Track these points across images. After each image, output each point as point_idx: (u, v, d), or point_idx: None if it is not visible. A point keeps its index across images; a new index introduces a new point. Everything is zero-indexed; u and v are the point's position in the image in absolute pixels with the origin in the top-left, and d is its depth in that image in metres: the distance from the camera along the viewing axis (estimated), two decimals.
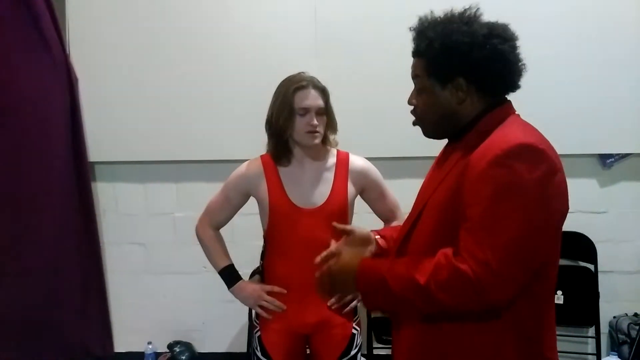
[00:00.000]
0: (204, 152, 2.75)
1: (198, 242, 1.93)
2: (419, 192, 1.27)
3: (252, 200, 1.88)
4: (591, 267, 2.69)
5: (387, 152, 2.57)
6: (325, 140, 1.81)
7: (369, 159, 1.90)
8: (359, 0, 2.63)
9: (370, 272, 1.15)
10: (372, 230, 1.45)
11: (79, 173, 2.73)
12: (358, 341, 1.85)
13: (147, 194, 2.86)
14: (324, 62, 2.53)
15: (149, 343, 2.83)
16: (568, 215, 1.12)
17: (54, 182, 2.61)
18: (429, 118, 1.20)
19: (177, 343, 2.84)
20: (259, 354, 1.83)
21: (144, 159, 2.79)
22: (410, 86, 1.22)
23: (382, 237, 1.42)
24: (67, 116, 2.67)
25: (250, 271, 2.57)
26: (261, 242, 1.92)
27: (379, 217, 1.94)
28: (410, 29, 1.19)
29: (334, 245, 1.41)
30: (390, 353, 1.31)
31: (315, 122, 1.71)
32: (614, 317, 2.74)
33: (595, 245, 2.68)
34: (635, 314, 2.72)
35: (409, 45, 1.21)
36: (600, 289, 2.66)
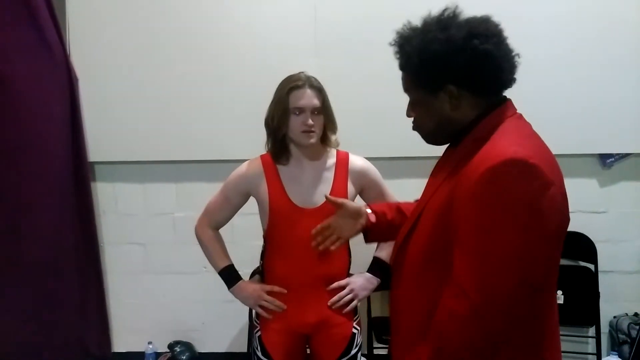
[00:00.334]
0: (204, 152, 2.75)
1: (198, 243, 1.93)
2: (422, 194, 1.27)
3: (252, 200, 1.88)
4: (591, 267, 2.69)
5: (387, 152, 2.57)
6: (325, 140, 1.81)
7: (368, 159, 1.91)
8: (358, 0, 2.63)
9: None
10: (365, 205, 1.50)
11: (78, 173, 2.72)
12: (358, 341, 1.85)
13: (146, 194, 2.86)
14: (324, 62, 2.53)
15: (149, 343, 2.84)
16: None
17: (53, 182, 2.61)
18: (426, 127, 1.19)
19: (177, 343, 2.84)
20: (259, 353, 1.83)
21: (144, 159, 2.79)
22: None
23: (373, 211, 1.45)
24: (67, 116, 2.67)
25: (250, 271, 2.57)
26: (261, 242, 1.91)
27: None
28: (390, 44, 1.17)
29: (327, 219, 1.47)
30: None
31: (310, 121, 1.72)
32: (614, 316, 2.74)
33: (596, 245, 2.68)
34: (636, 314, 2.73)
35: None
36: (600, 289, 2.66)
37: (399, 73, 1.19)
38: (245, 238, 2.34)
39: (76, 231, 2.73)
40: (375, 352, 2.64)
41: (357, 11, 2.62)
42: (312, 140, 1.75)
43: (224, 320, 2.87)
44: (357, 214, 1.46)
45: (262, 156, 1.85)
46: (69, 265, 2.69)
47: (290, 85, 1.73)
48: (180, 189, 2.84)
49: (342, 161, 1.84)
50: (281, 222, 1.78)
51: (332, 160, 1.84)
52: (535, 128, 1.15)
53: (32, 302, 2.59)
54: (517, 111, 1.16)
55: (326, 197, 1.50)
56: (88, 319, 2.80)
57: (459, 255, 1.03)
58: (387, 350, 1.77)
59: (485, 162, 1.01)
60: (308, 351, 1.91)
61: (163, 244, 2.87)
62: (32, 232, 2.56)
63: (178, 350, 2.81)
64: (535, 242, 0.98)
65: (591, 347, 2.73)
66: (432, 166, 1.28)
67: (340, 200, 1.48)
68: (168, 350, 2.84)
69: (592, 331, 2.71)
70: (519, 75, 1.14)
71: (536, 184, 0.98)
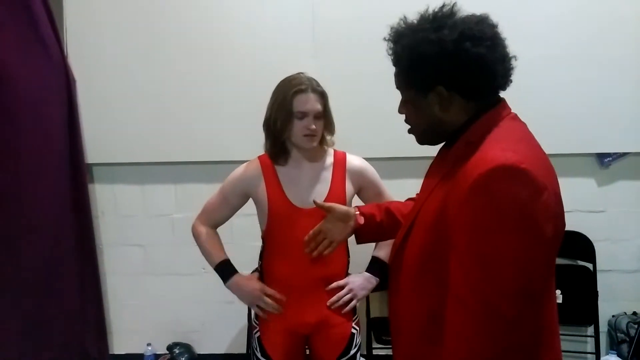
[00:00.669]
0: (203, 153, 2.74)
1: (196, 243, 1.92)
2: (418, 196, 1.26)
3: (251, 201, 1.88)
4: (590, 266, 2.69)
5: (385, 152, 2.57)
6: (322, 141, 1.82)
7: (366, 159, 1.91)
8: (357, 0, 2.63)
9: None
10: (355, 207, 1.51)
11: (75, 175, 2.72)
12: (357, 341, 1.85)
13: (145, 195, 2.86)
14: (322, 62, 2.54)
15: (149, 344, 2.83)
16: (566, 214, 1.08)
17: (50, 184, 2.61)
18: (416, 127, 1.17)
19: (176, 344, 2.84)
20: (258, 354, 1.83)
21: (143, 160, 2.79)
22: None
23: (361, 213, 1.46)
24: (65, 117, 2.67)
25: (249, 272, 2.57)
26: (260, 243, 1.92)
27: None
28: (384, 39, 1.15)
29: (318, 225, 1.51)
30: (390, 353, 1.31)
31: (313, 126, 1.72)
32: (613, 316, 2.74)
33: (594, 244, 2.68)
34: (634, 313, 2.73)
35: None
36: (599, 288, 2.67)
37: None
38: (244, 239, 2.34)
39: (73, 233, 2.73)
40: (374, 352, 2.64)
41: (356, 11, 2.62)
42: (314, 144, 1.77)
43: (223, 322, 2.87)
44: (346, 217, 1.47)
45: (259, 157, 1.86)
46: (67, 268, 2.69)
47: (294, 89, 1.72)
48: (179, 190, 2.84)
49: (340, 161, 1.85)
50: (280, 222, 1.78)
51: (329, 160, 1.85)
52: (532, 127, 1.13)
53: (31, 304, 2.58)
54: (512, 111, 1.14)
55: (315, 203, 1.53)
56: (86, 321, 2.79)
57: (454, 263, 1.02)
58: (386, 351, 1.77)
59: (477, 169, 0.99)
60: (307, 351, 1.91)
61: (162, 245, 2.86)
62: (29, 233, 2.55)
63: (177, 351, 2.81)
64: (530, 247, 0.97)
65: (590, 346, 2.73)
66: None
67: (329, 204, 1.50)
68: (167, 352, 2.84)
69: (590, 330, 2.71)
70: (515, 74, 1.11)
71: (529, 190, 0.96)
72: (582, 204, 2.67)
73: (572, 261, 2.73)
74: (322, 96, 1.76)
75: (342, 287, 1.83)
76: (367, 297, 2.35)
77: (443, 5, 1.09)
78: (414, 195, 1.29)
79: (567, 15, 2.58)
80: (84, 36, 2.73)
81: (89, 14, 2.72)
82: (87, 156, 2.78)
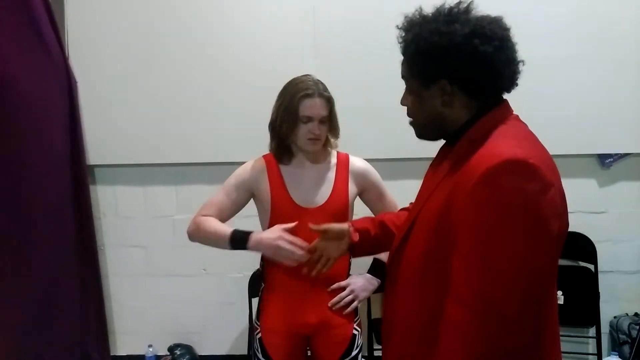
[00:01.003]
0: (204, 154, 2.75)
1: (198, 245, 1.84)
2: (416, 196, 1.25)
3: (252, 202, 1.88)
4: (591, 267, 2.69)
5: (386, 154, 2.57)
6: (325, 143, 1.82)
7: (367, 160, 1.91)
8: (357, 0, 2.63)
9: None
10: (349, 222, 1.54)
11: (77, 176, 2.72)
12: (359, 342, 1.85)
13: (147, 196, 2.86)
14: (323, 63, 2.54)
15: (150, 346, 2.84)
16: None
17: (52, 185, 2.61)
18: (417, 119, 1.17)
19: (177, 346, 2.84)
20: (259, 355, 1.83)
21: (144, 161, 2.79)
22: None
23: (356, 230, 1.48)
24: (66, 119, 2.67)
25: (250, 273, 2.58)
26: None
27: None
28: (397, 27, 1.15)
29: (313, 243, 1.54)
30: None
31: (317, 131, 1.73)
32: (615, 317, 2.74)
33: (595, 245, 2.68)
34: (636, 314, 2.73)
35: None
36: (600, 289, 2.66)
37: (398, 74, 1.18)
38: None
39: (74, 234, 2.72)
40: (376, 353, 2.64)
41: (356, 11, 2.62)
42: (317, 148, 1.77)
43: (225, 323, 2.87)
44: (341, 235, 1.49)
45: (264, 156, 1.86)
46: (68, 269, 2.69)
47: (301, 93, 1.72)
48: (181, 191, 2.84)
49: (343, 162, 1.85)
50: (282, 220, 1.76)
51: (332, 161, 1.85)
52: (533, 128, 1.14)
53: (32, 306, 2.58)
54: (514, 112, 1.14)
55: (310, 227, 1.52)
56: (87, 323, 2.79)
57: (457, 261, 1.01)
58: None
59: (484, 163, 0.98)
60: (309, 353, 1.91)
61: (163, 246, 2.86)
62: (30, 234, 2.55)
63: (178, 353, 2.81)
64: (535, 245, 0.96)
65: (591, 347, 2.73)
66: None
67: (323, 226, 1.51)
68: (168, 353, 2.83)
69: (592, 331, 2.71)
70: None
71: (536, 185, 0.96)
72: (583, 204, 2.67)
73: (574, 262, 2.73)
74: (329, 101, 1.76)
75: (343, 288, 1.83)
76: (369, 299, 2.35)
77: (460, 2, 1.09)
78: (413, 199, 1.28)
79: (568, 15, 2.59)
80: (86, 38, 2.73)
81: (90, 15, 2.72)
82: (89, 157, 2.78)
